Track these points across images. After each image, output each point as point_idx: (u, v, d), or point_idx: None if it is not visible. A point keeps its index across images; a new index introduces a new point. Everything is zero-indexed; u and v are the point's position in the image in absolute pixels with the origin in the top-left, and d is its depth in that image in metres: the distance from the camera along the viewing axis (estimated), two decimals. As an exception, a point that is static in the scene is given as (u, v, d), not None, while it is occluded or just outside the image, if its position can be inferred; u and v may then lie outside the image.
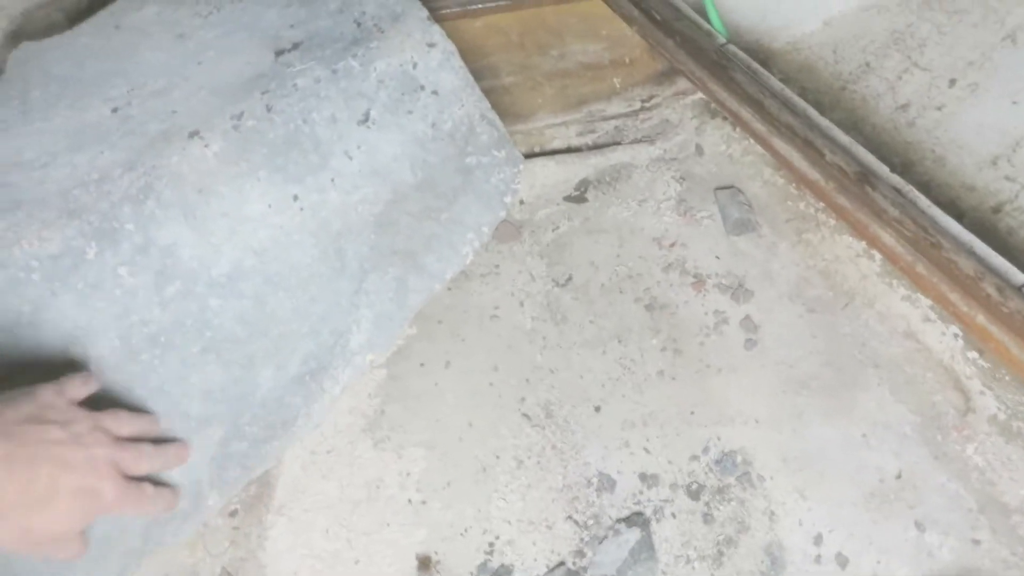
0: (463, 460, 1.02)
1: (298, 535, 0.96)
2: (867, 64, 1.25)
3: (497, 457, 1.02)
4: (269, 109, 0.92)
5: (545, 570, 0.94)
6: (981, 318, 0.84)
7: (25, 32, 1.20)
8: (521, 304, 1.17)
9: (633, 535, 0.94)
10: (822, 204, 1.13)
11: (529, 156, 1.36)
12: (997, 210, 1.04)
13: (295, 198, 0.93)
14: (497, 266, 1.21)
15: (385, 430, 1.04)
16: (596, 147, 1.36)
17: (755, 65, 1.06)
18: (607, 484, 0.99)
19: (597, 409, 1.05)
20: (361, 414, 1.06)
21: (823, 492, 0.95)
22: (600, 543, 0.95)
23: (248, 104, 0.92)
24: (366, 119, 0.98)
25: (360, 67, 0.97)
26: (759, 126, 1.05)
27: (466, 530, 0.97)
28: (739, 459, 0.99)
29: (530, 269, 1.20)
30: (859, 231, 1.00)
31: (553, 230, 1.25)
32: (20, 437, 0.66)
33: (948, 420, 0.97)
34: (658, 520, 0.96)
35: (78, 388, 0.76)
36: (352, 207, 0.97)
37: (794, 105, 1.01)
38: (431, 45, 1.02)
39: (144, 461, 0.76)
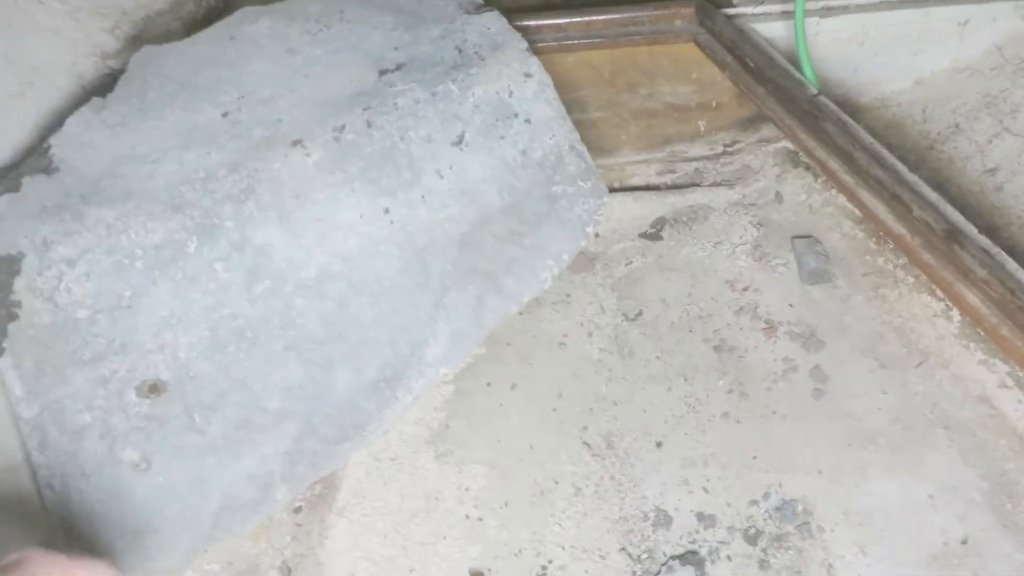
0: (522, 481, 1.03)
1: (357, 537, 0.98)
2: (956, 125, 1.24)
3: (556, 482, 1.03)
4: (369, 124, 0.97)
5: (596, 599, 0.94)
6: (1065, 386, 0.82)
7: (145, 37, 1.27)
8: (590, 334, 1.18)
9: (687, 573, 0.94)
10: (902, 261, 1.13)
11: (609, 190, 1.38)
12: (1085, 282, 1.02)
13: (386, 211, 0.96)
14: (569, 295, 1.23)
15: (448, 444, 1.06)
16: (675, 187, 1.37)
17: (846, 117, 1.07)
18: (663, 520, 0.99)
19: (658, 444, 1.05)
20: (426, 426, 1.08)
21: (884, 549, 0.94)
22: (653, 578, 0.95)
23: (350, 118, 0.97)
24: (460, 141, 1.01)
25: (458, 91, 1.01)
26: (847, 177, 1.05)
27: (520, 551, 0.98)
28: (800, 508, 0.98)
29: (601, 301, 1.22)
30: (943, 289, 0.99)
31: (626, 264, 1.26)
32: None
33: (1019, 489, 0.95)
34: (713, 561, 0.95)
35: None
36: (439, 224, 1.00)
37: (883, 159, 1.01)
38: (528, 75, 1.06)
39: None
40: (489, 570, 0.96)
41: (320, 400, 0.93)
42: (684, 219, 1.31)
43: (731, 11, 1.24)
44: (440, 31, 1.10)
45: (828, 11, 1.23)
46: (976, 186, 1.18)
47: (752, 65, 1.14)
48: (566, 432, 1.08)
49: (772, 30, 1.25)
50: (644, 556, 0.97)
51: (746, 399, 1.08)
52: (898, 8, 1.23)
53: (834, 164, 1.05)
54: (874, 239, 1.19)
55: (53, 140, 0.97)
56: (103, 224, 0.87)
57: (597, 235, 1.31)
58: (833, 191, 1.24)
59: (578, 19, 1.20)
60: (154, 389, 0.86)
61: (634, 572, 0.96)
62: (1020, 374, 1.00)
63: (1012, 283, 0.86)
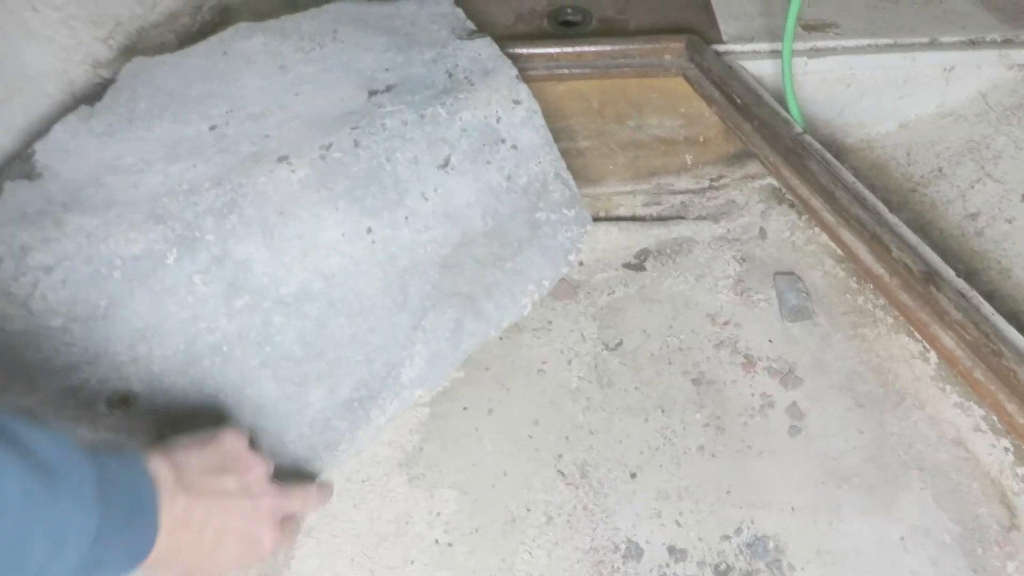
0: (494, 508, 1.02)
1: (324, 559, 0.97)
2: (940, 169, 1.26)
3: (528, 510, 1.02)
4: (356, 144, 0.97)
5: (563, 630, 0.93)
6: (1037, 432, 0.83)
7: (138, 48, 1.28)
8: (569, 362, 1.18)
9: (656, 607, 0.93)
10: (881, 301, 1.13)
11: (594, 220, 1.39)
12: (1061, 329, 1.03)
13: (368, 230, 0.96)
14: (550, 322, 1.23)
15: (421, 467, 1.05)
16: (660, 219, 1.38)
17: (829, 156, 1.08)
18: (634, 552, 0.98)
19: (633, 476, 1.05)
20: (400, 448, 1.07)
21: (855, 591, 0.93)
22: (621, 610, 0.94)
23: (337, 137, 0.97)
24: (446, 164, 1.02)
25: (447, 115, 1.02)
26: (828, 216, 1.06)
27: (488, 578, 0.97)
28: (771, 545, 0.97)
29: (582, 329, 1.22)
30: (919, 330, 0.99)
31: (609, 294, 1.27)
32: (199, 488, 0.70)
33: (991, 534, 0.95)
34: (682, 596, 0.95)
35: (248, 435, 0.82)
36: (421, 245, 1.00)
37: (865, 199, 1.02)
38: (517, 102, 1.07)
39: (305, 508, 0.87)
40: (456, 597, 0.95)
41: (293, 418, 0.92)
42: (668, 251, 1.31)
43: (721, 48, 1.26)
44: (432, 55, 1.11)
45: (816, 52, 1.25)
46: (957, 230, 1.19)
47: (739, 101, 1.15)
48: (541, 460, 1.07)
49: (760, 68, 1.26)
50: (613, 588, 0.96)
51: (722, 433, 1.08)
52: (885, 52, 1.25)
53: (816, 202, 1.06)
54: (855, 278, 1.20)
55: (38, 146, 0.97)
56: (83, 232, 0.87)
57: (581, 263, 1.31)
58: (816, 229, 1.25)
59: (569, 49, 1.21)
60: (124, 401, 0.85)
61: (602, 604, 0.95)
62: (994, 418, 1.00)
63: (987, 327, 0.86)
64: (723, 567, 0.96)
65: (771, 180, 1.29)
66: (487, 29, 1.29)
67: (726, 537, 0.99)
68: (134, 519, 0.62)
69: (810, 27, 1.29)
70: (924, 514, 0.98)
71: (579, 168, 1.37)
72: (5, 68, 1.05)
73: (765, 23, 1.32)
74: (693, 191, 1.40)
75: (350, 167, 0.96)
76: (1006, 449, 0.99)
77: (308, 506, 0.87)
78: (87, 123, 1.01)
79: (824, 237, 1.21)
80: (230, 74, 1.09)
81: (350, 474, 1.04)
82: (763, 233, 1.30)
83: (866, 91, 1.29)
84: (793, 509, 1.00)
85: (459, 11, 1.21)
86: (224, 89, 1.06)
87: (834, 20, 1.31)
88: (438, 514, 1.02)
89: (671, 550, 0.98)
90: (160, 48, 1.30)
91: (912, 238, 0.98)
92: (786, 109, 1.19)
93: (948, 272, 0.93)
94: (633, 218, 1.41)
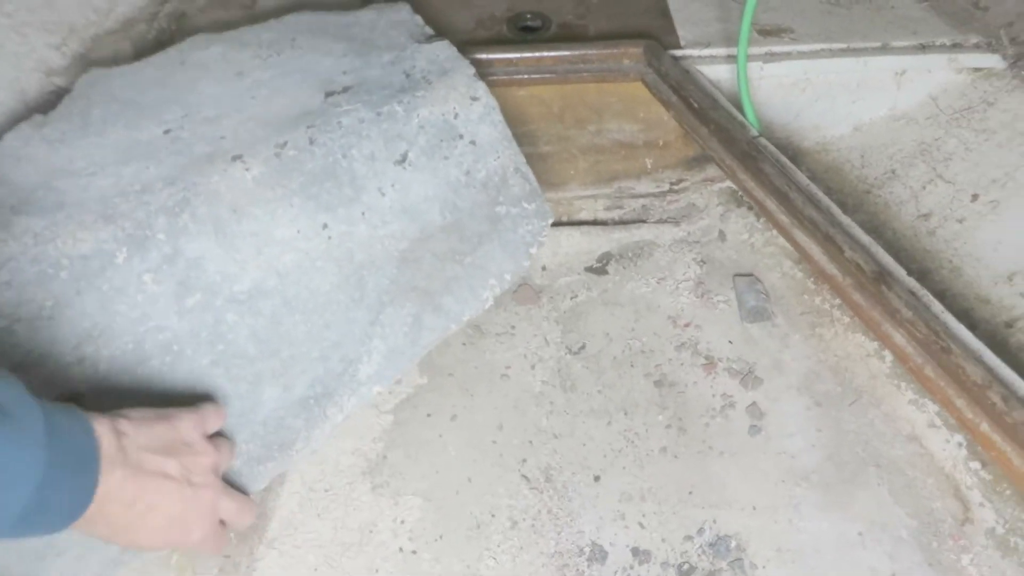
0: (458, 514, 1.02)
1: (287, 570, 0.96)
2: (893, 171, 1.28)
3: (492, 515, 1.02)
4: (311, 141, 0.96)
5: (528, 634, 0.93)
6: (985, 426, 0.85)
7: (93, 56, 1.26)
8: (532, 367, 1.18)
9: (620, 609, 0.93)
10: (838, 301, 1.15)
11: (556, 224, 1.39)
12: (1010, 325, 1.06)
13: (324, 226, 0.96)
14: (513, 327, 1.23)
15: (385, 475, 1.05)
16: (622, 222, 1.39)
17: (784, 159, 1.10)
18: (599, 555, 0.99)
19: (596, 479, 1.05)
20: (363, 456, 1.07)
21: (814, 587, 0.95)
22: (586, 613, 0.94)
23: (293, 135, 0.96)
24: (403, 160, 1.01)
25: (403, 112, 1.02)
26: (783, 217, 1.07)
27: (453, 585, 0.96)
28: (733, 544, 0.98)
29: (545, 334, 1.22)
30: (872, 328, 1.01)
31: (571, 298, 1.27)
32: (138, 464, 0.69)
33: (945, 528, 0.97)
34: (646, 597, 0.95)
35: (213, 421, 0.82)
36: (378, 240, 1.00)
37: (818, 201, 1.04)
38: (474, 99, 1.07)
39: (240, 518, 0.84)
40: (421, 604, 0.95)
41: (245, 417, 0.91)
42: (630, 254, 1.32)
43: (678, 53, 1.27)
44: (391, 58, 1.11)
45: (771, 56, 1.27)
46: (910, 230, 1.21)
47: (696, 106, 1.17)
48: (505, 465, 1.07)
49: (717, 72, 1.28)
50: (578, 591, 0.96)
51: (684, 434, 1.09)
52: (839, 57, 1.27)
53: (771, 204, 1.08)
54: (812, 279, 1.22)
55: None
56: (30, 233, 0.85)
57: (544, 268, 1.32)
58: (774, 231, 1.27)
59: (529, 55, 1.22)
60: (71, 401, 0.83)
61: (567, 607, 0.95)
62: (947, 414, 1.02)
63: (936, 324, 0.88)
64: (686, 567, 0.97)
65: (730, 183, 1.31)
66: (447, 35, 1.29)
67: (689, 537, 1.00)
68: (79, 467, 0.63)
69: (766, 32, 1.31)
70: (881, 510, 0.99)
71: (541, 173, 1.37)
72: (-47, 76, 1.03)
73: (722, 28, 1.33)
74: (654, 195, 1.41)
75: (305, 164, 0.96)
76: (959, 444, 1.01)
77: (243, 517, 0.84)
78: (40, 131, 0.99)
79: (782, 239, 1.22)
80: (186, 82, 1.08)
81: (313, 483, 1.04)
82: (722, 235, 1.32)
83: (820, 95, 1.31)
84: (754, 508, 1.01)
85: (418, 17, 1.21)
86: (180, 96, 1.05)
87: (789, 25, 1.33)
88: (402, 522, 1.01)
89: (635, 552, 0.99)
90: (115, 56, 1.29)
91: (864, 238, 0.99)
92: (742, 113, 1.21)
93: (899, 271, 0.95)
94: (595, 222, 1.42)
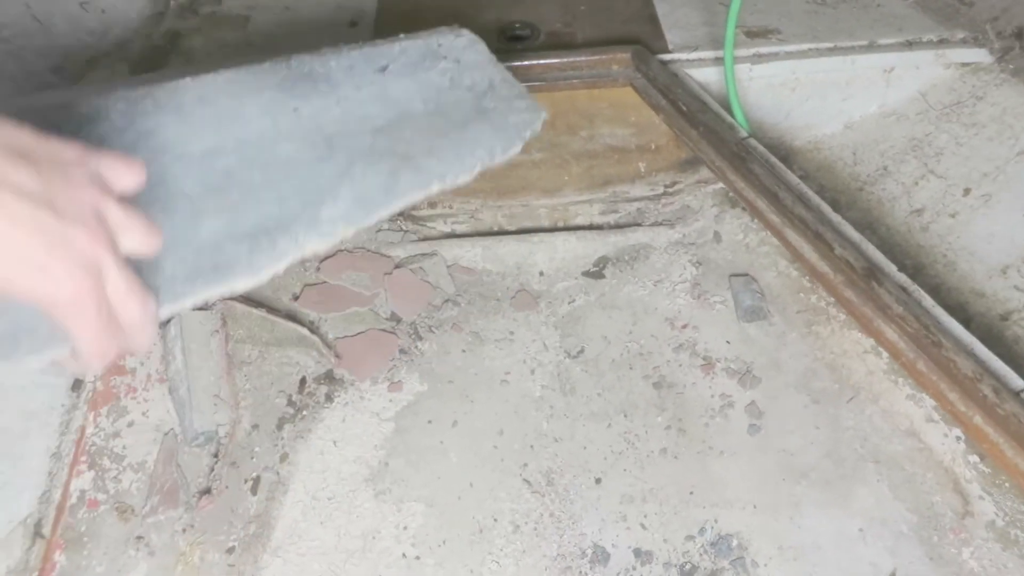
0: (461, 519, 1.03)
1: (291, 579, 0.97)
2: (885, 168, 1.29)
3: (495, 520, 1.03)
4: (289, 58, 0.95)
5: (532, 637, 0.94)
6: (978, 419, 0.85)
7: (90, 78, 1.28)
8: (532, 372, 1.19)
9: (622, 609, 0.94)
10: (833, 298, 1.16)
11: (552, 231, 1.41)
12: (1005, 318, 1.06)
13: (295, 110, 0.93)
14: (512, 333, 1.24)
15: (387, 482, 1.06)
16: (617, 226, 1.40)
17: (773, 159, 1.11)
18: (601, 557, 0.99)
19: (598, 481, 1.06)
20: (365, 464, 1.08)
21: (816, 584, 0.95)
22: (589, 615, 0.95)
23: (271, 59, 0.96)
24: (383, 70, 0.99)
25: (386, 43, 1.01)
26: (773, 217, 1.08)
27: (457, 590, 0.97)
28: (734, 543, 0.99)
29: (544, 339, 1.23)
30: (864, 325, 1.02)
31: (569, 303, 1.28)
32: None
33: (946, 522, 0.97)
34: (649, 597, 0.96)
35: (118, 171, 0.59)
36: (353, 119, 0.95)
37: (808, 199, 1.05)
38: (458, 36, 1.05)
39: (137, 305, 0.59)
40: (425, 610, 0.96)
41: (177, 245, 0.81)
42: (626, 258, 1.33)
43: (667, 57, 1.28)
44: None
45: (759, 57, 1.28)
46: (904, 226, 1.22)
47: (685, 109, 1.18)
48: (506, 469, 1.08)
49: (706, 75, 1.29)
50: (581, 593, 0.97)
51: (684, 435, 1.10)
52: (826, 56, 1.28)
53: (762, 204, 1.09)
54: (807, 277, 1.22)
55: None
56: None
57: (541, 273, 1.33)
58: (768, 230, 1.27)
59: (517, 63, 1.23)
60: None
61: (571, 610, 0.96)
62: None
63: (927, 319, 0.89)
64: (688, 567, 0.98)
65: (723, 184, 1.32)
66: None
67: (690, 537, 1.00)
68: None
69: (753, 34, 1.32)
70: (881, 505, 1.00)
71: (534, 180, 1.39)
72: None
73: (709, 32, 1.35)
74: (648, 198, 1.42)
75: (280, 72, 0.94)
76: (958, 438, 1.02)
77: (134, 308, 0.59)
78: None
79: (776, 239, 1.23)
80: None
81: (315, 491, 1.05)
82: (717, 237, 1.33)
83: (810, 94, 1.32)
84: (755, 507, 1.02)
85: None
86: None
87: (776, 26, 1.34)
88: (405, 528, 1.02)
89: (637, 553, 0.99)
90: (111, 77, 1.31)
91: (854, 235, 1.00)
92: (731, 115, 1.22)
93: (890, 267, 0.96)
94: (591, 227, 1.43)
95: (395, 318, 1.26)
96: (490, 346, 1.22)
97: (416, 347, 1.22)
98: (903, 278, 0.94)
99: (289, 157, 0.89)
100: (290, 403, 1.13)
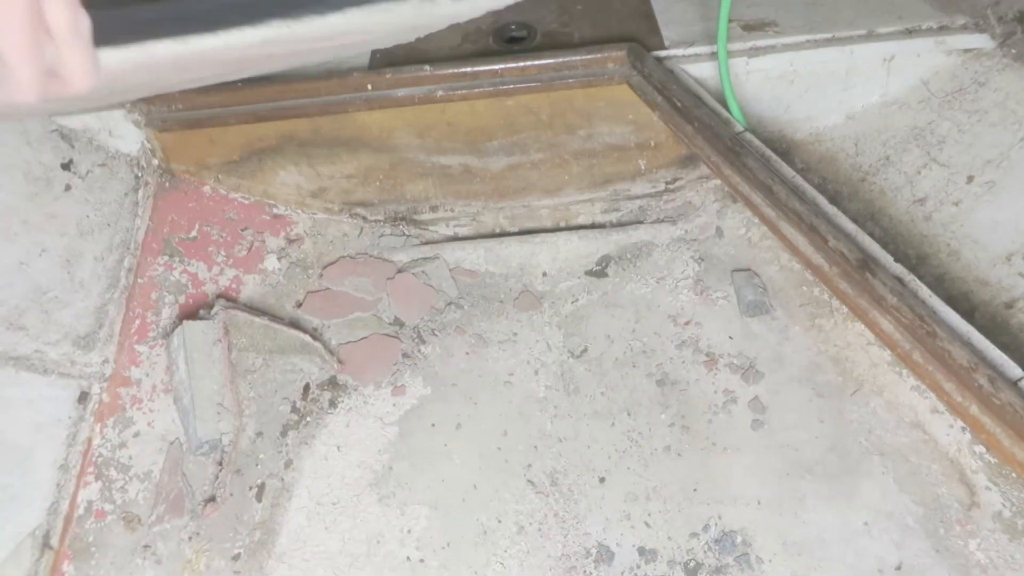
0: (465, 522, 1.03)
1: (297, 584, 0.98)
2: (887, 158, 1.28)
3: (499, 521, 1.03)
4: None
5: (536, 638, 0.94)
6: (975, 408, 0.84)
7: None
8: (536, 372, 1.19)
9: (626, 608, 0.94)
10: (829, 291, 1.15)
11: (554, 231, 1.41)
12: (1010, 305, 1.05)
13: None
14: (515, 334, 1.24)
15: (391, 486, 1.07)
16: (619, 225, 1.40)
17: (769, 153, 1.10)
18: (606, 556, 0.99)
19: (602, 480, 1.06)
20: (369, 468, 1.08)
21: (821, 578, 0.94)
22: (593, 614, 0.95)
23: None
24: None
25: None
26: (768, 211, 1.07)
27: (462, 592, 0.98)
28: (739, 539, 0.98)
29: (547, 339, 1.23)
30: (860, 316, 1.01)
31: (572, 302, 1.28)
32: None
33: (952, 514, 0.96)
34: (653, 595, 0.96)
35: None
36: None
37: (803, 192, 1.04)
38: None
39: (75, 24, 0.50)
40: (431, 613, 0.96)
41: None
42: (628, 256, 1.33)
43: (662, 53, 1.28)
44: None
45: (756, 51, 1.27)
46: (907, 216, 1.20)
47: (680, 105, 1.17)
48: (510, 470, 1.08)
49: (702, 71, 1.28)
50: (585, 593, 0.97)
51: (687, 432, 1.09)
52: (824, 47, 1.27)
53: (757, 198, 1.08)
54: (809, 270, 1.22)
55: None
56: None
57: (544, 274, 1.33)
58: (770, 224, 1.27)
59: (513, 65, 1.23)
60: None
61: (575, 609, 0.96)
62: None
63: (921, 309, 0.88)
64: (692, 564, 0.97)
65: (723, 179, 1.31)
66: (432, 51, 1.32)
67: (694, 535, 1.00)
68: None
69: (749, 27, 1.31)
70: (886, 498, 0.99)
71: (535, 180, 1.39)
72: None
73: (706, 27, 1.34)
74: (650, 195, 1.41)
75: None
76: (963, 428, 1.00)
77: (74, 28, 0.50)
78: None
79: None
80: None
81: (320, 497, 1.06)
82: (719, 232, 1.32)
83: (809, 86, 1.30)
84: (759, 502, 1.01)
85: None
86: None
87: (773, 19, 1.33)
88: (409, 531, 1.03)
89: (641, 551, 0.99)
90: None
91: (849, 227, 0.99)
92: (727, 109, 1.21)
93: (886, 258, 0.95)
94: (593, 225, 1.43)
95: (398, 322, 1.26)
96: (493, 348, 1.23)
97: (419, 351, 1.23)
98: (899, 268, 0.93)
99: None
100: (294, 410, 1.14)
